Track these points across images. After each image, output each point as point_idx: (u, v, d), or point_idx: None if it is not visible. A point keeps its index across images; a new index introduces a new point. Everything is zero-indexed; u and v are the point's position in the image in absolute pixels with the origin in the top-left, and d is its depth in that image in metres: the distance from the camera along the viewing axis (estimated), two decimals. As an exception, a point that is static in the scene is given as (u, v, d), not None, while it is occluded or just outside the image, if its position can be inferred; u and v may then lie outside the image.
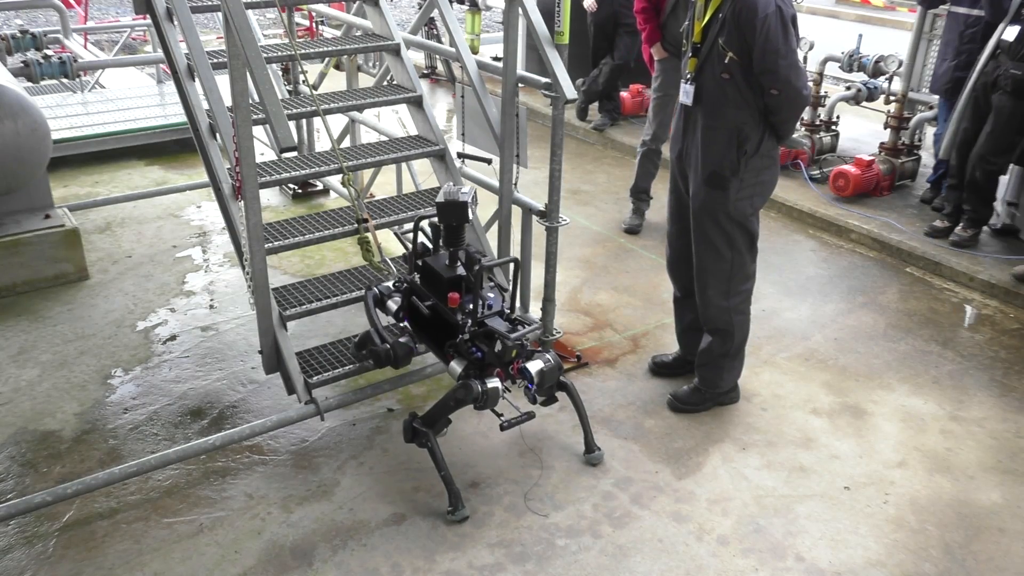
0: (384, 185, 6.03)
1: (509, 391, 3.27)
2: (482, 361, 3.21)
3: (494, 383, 3.19)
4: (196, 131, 3.80)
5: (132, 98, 7.48)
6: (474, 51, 4.26)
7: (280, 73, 6.13)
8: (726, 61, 3.41)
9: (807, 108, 6.79)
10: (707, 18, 3.47)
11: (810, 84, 3.45)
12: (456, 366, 3.23)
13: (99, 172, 6.59)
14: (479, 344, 3.21)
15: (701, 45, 3.50)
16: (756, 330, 4.65)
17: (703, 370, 3.93)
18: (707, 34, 3.48)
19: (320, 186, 6.32)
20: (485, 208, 4.35)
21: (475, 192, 3.33)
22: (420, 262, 3.38)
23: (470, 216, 3.28)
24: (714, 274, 3.74)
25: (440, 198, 3.25)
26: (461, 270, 3.27)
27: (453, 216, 3.25)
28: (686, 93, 3.60)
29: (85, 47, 8.13)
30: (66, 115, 6.90)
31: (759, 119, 3.47)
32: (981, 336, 4.69)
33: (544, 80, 3.83)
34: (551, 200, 3.98)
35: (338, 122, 6.01)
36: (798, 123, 3.61)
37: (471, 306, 3.20)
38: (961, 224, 5.54)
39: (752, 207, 3.63)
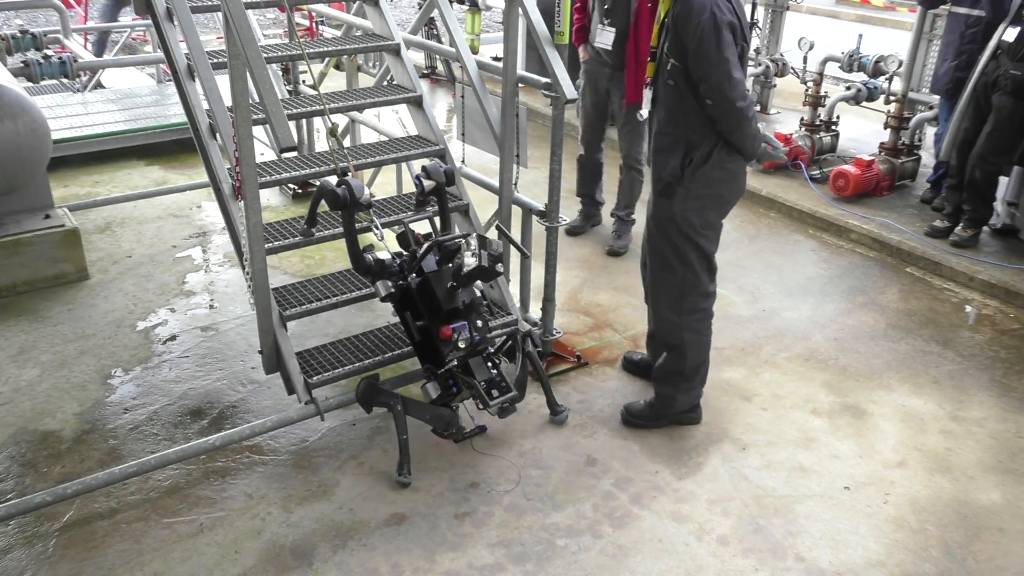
0: (384, 185, 6.03)
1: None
2: (456, 395, 3.39)
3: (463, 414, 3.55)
4: (196, 131, 3.80)
5: (132, 98, 7.48)
6: (474, 51, 4.27)
7: (280, 73, 6.12)
8: (669, 68, 3.33)
9: (808, 109, 6.85)
10: (660, 21, 3.40)
11: (751, 96, 3.28)
12: (431, 390, 3.39)
13: (99, 172, 6.59)
14: (457, 379, 3.36)
15: (656, 49, 3.43)
16: (756, 330, 4.66)
17: (658, 385, 3.81)
18: (660, 38, 3.41)
19: (320, 186, 6.31)
20: (485, 208, 4.36)
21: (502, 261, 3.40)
22: (419, 271, 3.37)
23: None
24: (665, 287, 3.63)
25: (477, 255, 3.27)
26: (460, 303, 3.31)
27: (480, 275, 3.31)
28: (647, 98, 3.53)
29: (85, 47, 8.13)
30: (66, 115, 6.90)
31: (710, 128, 3.33)
32: (981, 336, 4.69)
33: (544, 80, 3.84)
34: (551, 200, 3.98)
35: (338, 122, 6.00)
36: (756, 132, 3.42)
37: (462, 345, 3.25)
38: (961, 224, 5.54)
39: (702, 219, 3.46)
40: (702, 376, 3.80)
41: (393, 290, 3.39)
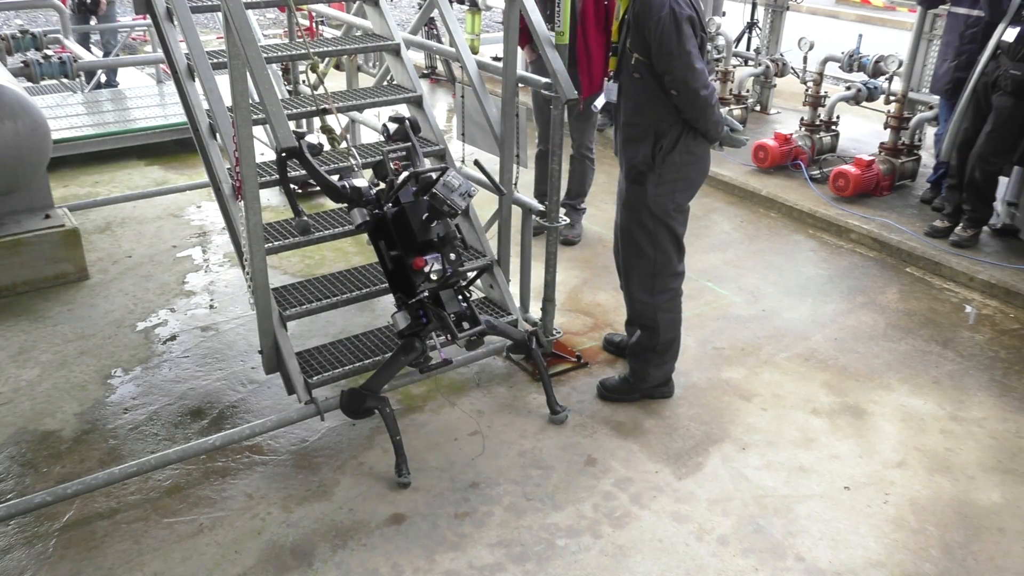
0: (384, 185, 6.03)
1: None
2: (426, 326, 3.40)
3: (432, 346, 3.53)
4: (196, 131, 3.80)
5: (132, 98, 7.48)
6: (474, 51, 4.26)
7: (280, 73, 6.12)
8: (632, 62, 3.47)
9: (808, 109, 6.85)
10: (620, 18, 3.54)
11: (713, 85, 3.47)
12: (400, 321, 3.41)
13: (99, 172, 6.59)
14: (427, 309, 3.38)
15: (617, 44, 3.58)
16: (756, 330, 4.66)
17: (632, 361, 3.97)
18: (621, 34, 3.56)
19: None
20: (485, 208, 4.36)
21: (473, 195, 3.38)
22: (395, 200, 3.36)
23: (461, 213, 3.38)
24: (638, 270, 3.77)
25: (440, 192, 3.25)
26: (435, 236, 3.33)
27: (443, 212, 3.32)
28: (610, 90, 3.68)
29: (89, 50, 8.13)
30: (66, 115, 6.90)
31: (676, 116, 3.48)
32: (981, 336, 4.69)
33: (544, 80, 3.84)
34: (551, 200, 3.98)
35: (339, 121, 6.00)
36: (721, 120, 3.55)
37: (434, 277, 3.29)
38: (961, 224, 5.54)
39: (673, 203, 3.62)
40: (674, 351, 3.95)
41: (368, 219, 3.39)
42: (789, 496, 3.45)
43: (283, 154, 3.07)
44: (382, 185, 3.50)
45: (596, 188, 6.68)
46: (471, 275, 3.64)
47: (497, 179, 4.12)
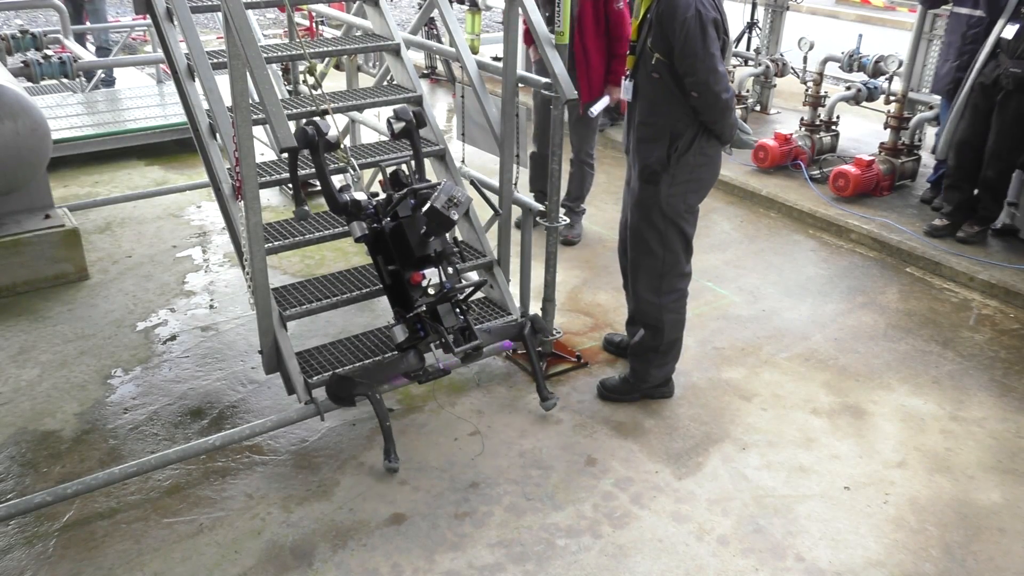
0: (384, 185, 6.03)
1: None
2: (423, 339, 3.43)
3: (431, 360, 3.57)
4: (196, 131, 3.80)
5: (132, 98, 7.48)
6: (474, 51, 4.26)
7: (280, 73, 6.12)
8: (653, 62, 3.45)
9: (808, 109, 6.85)
10: (641, 17, 3.53)
11: (732, 88, 3.46)
12: (399, 333, 3.43)
13: (99, 172, 6.59)
14: (425, 323, 3.40)
15: (636, 43, 3.57)
16: (756, 330, 4.66)
17: (633, 361, 3.96)
18: (640, 33, 3.54)
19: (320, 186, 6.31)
20: (485, 208, 4.35)
21: (470, 202, 3.40)
22: (394, 215, 3.38)
23: (455, 224, 3.40)
24: (646, 270, 3.77)
25: (436, 203, 3.27)
26: (432, 251, 3.35)
27: (440, 226, 3.34)
28: (626, 89, 3.67)
29: (85, 47, 8.13)
30: (66, 115, 6.90)
31: (692, 118, 3.48)
32: (981, 336, 4.69)
33: (544, 80, 3.84)
34: (551, 200, 3.98)
35: (338, 122, 6.00)
36: (735, 123, 3.58)
37: (431, 292, 3.32)
38: (969, 221, 5.54)
39: (685, 204, 3.62)
40: (675, 352, 3.95)
41: (367, 232, 3.41)
42: (789, 496, 3.45)
43: (283, 153, 3.07)
44: (381, 196, 3.51)
45: (596, 188, 6.68)
46: (468, 289, 3.65)
47: (496, 182, 4.12)
